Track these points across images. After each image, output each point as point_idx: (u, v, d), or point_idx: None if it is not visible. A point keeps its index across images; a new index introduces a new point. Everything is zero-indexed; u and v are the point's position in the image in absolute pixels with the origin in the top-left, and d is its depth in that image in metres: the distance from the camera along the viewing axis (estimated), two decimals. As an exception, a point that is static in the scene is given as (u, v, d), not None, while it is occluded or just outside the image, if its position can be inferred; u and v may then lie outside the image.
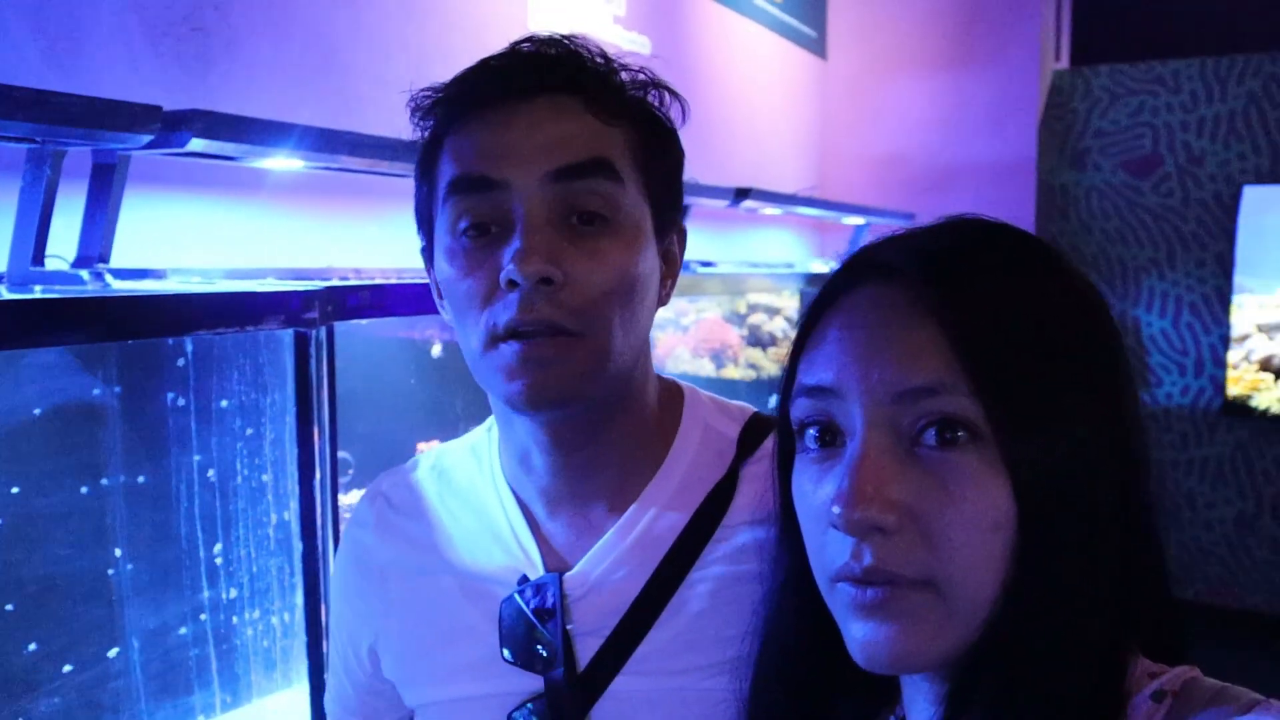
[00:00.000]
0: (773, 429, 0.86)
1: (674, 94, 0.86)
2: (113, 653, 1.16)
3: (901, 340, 0.58)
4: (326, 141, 1.41)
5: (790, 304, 3.69)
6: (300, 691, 1.27)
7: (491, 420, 0.94)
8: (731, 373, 3.49)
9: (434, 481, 0.94)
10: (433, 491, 0.93)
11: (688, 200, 2.78)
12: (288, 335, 1.17)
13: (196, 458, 1.24)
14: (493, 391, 0.81)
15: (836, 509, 0.56)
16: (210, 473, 1.22)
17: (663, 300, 0.87)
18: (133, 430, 1.19)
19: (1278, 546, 4.44)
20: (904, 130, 4.63)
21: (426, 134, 0.84)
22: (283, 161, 1.49)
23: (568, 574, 0.83)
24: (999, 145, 4.44)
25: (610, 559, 0.83)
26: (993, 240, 0.62)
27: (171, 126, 1.24)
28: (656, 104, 0.85)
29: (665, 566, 0.83)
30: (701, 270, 2.72)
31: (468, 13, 2.41)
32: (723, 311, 3.58)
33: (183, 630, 1.27)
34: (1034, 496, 0.56)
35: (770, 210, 3.36)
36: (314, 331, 1.15)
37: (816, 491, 0.60)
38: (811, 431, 0.62)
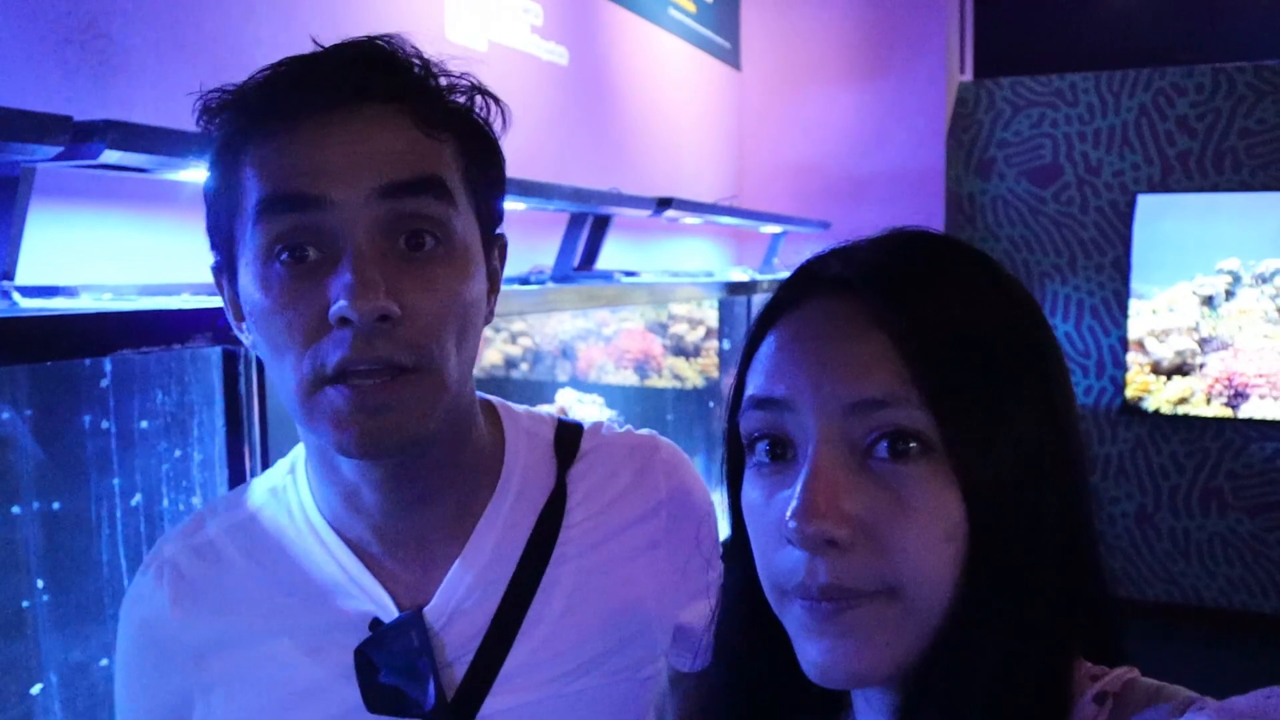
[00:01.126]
0: (578, 434, 0.91)
1: (495, 100, 0.81)
2: (35, 689, 1.10)
3: (852, 352, 0.58)
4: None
5: (711, 314, 3.72)
6: None
7: (292, 460, 0.88)
8: (657, 383, 3.49)
9: (231, 540, 0.85)
10: (233, 551, 0.84)
11: (611, 210, 2.79)
12: (215, 353, 1.13)
13: (117, 481, 1.19)
14: (320, 437, 0.74)
15: (792, 524, 0.56)
16: (136, 497, 1.17)
17: (487, 319, 0.81)
18: (49, 455, 1.14)
19: (1175, 538, 4.63)
20: (817, 140, 4.71)
21: (218, 137, 0.75)
22: (198, 173, 1.44)
23: (426, 608, 0.80)
24: (908, 155, 4.55)
25: (464, 585, 0.81)
26: (937, 252, 0.63)
27: (83, 137, 1.18)
28: (481, 110, 0.80)
29: (516, 582, 0.82)
30: (626, 280, 2.72)
31: (383, 24, 2.37)
32: (645, 322, 3.57)
33: (104, 662, 1.21)
34: (984, 506, 0.56)
35: (691, 220, 3.38)
36: (243, 348, 1.12)
37: (769, 505, 0.60)
38: (762, 444, 0.61)
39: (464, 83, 0.80)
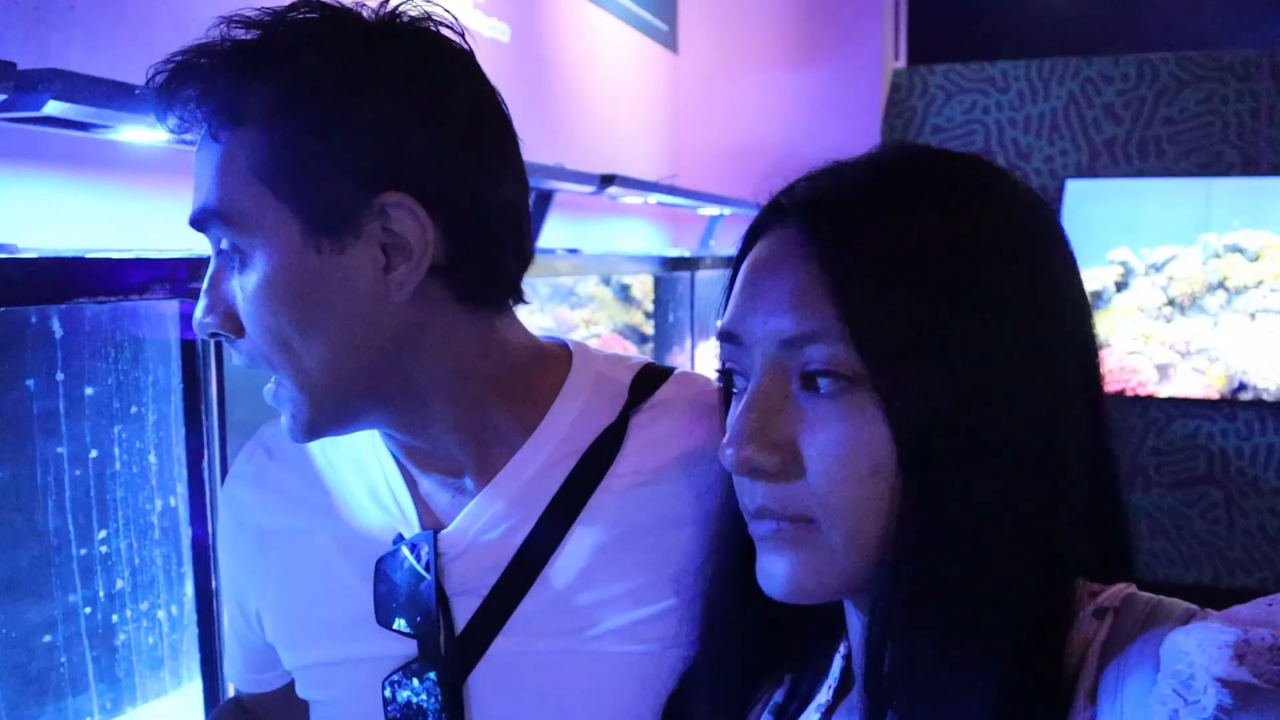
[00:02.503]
0: (666, 378, 0.86)
1: (339, 42, 0.73)
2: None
3: (789, 286, 0.59)
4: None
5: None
6: (192, 692, 1.19)
7: None
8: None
9: None
10: (316, 443, 0.86)
11: (552, 185, 2.77)
12: (171, 307, 1.09)
13: (60, 449, 1.14)
14: None
15: (727, 451, 0.60)
16: (93, 453, 1.12)
17: (400, 292, 0.73)
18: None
19: (1102, 515, 4.77)
20: (755, 124, 4.73)
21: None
22: (148, 132, 1.39)
23: (443, 532, 0.79)
24: (845, 139, 4.58)
25: (488, 515, 0.79)
26: (903, 176, 0.61)
27: (25, 87, 1.13)
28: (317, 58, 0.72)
29: (546, 521, 0.79)
30: (569, 255, 2.71)
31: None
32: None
33: (46, 639, 1.16)
34: (912, 442, 0.56)
35: (631, 199, 3.37)
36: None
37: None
38: (729, 375, 0.64)
39: (278, 45, 0.72)
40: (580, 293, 3.73)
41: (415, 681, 0.78)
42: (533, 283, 3.35)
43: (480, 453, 0.81)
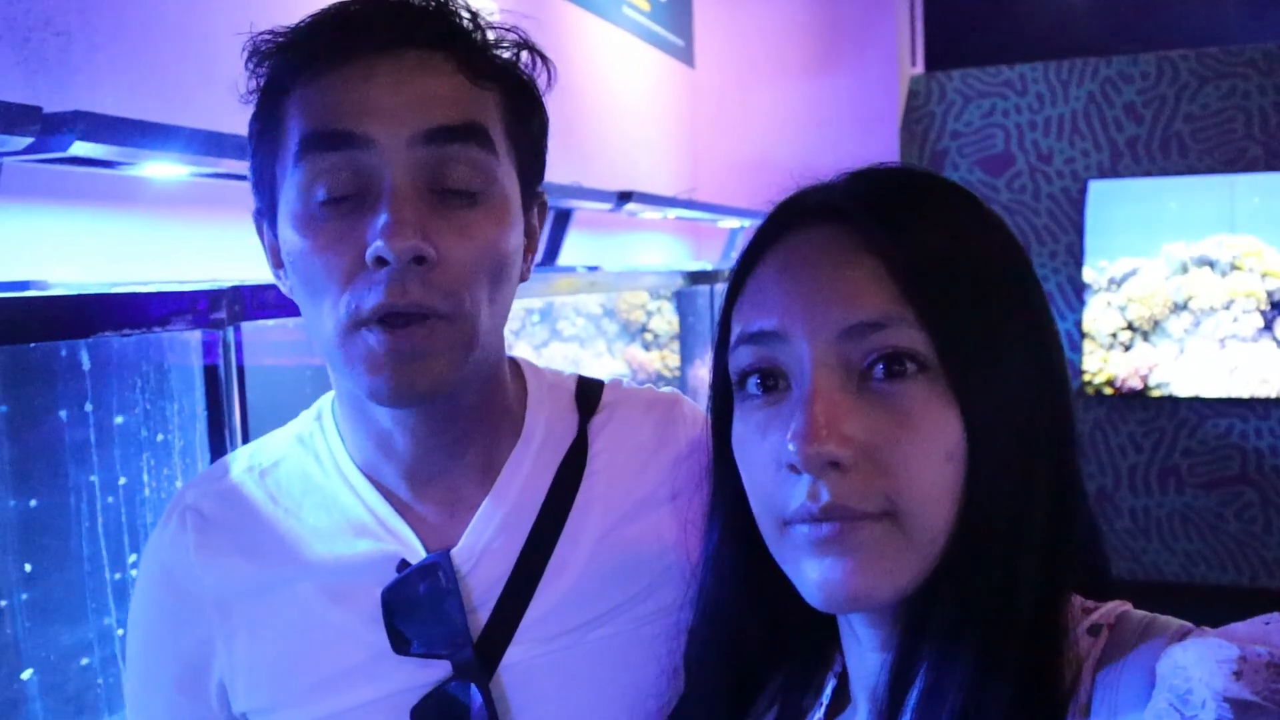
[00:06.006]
0: (600, 388, 0.91)
1: (542, 57, 0.81)
2: (27, 675, 1.09)
3: (845, 277, 0.59)
4: (216, 145, 1.37)
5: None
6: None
7: (318, 409, 0.88)
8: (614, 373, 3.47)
9: (256, 484, 0.84)
10: (258, 495, 0.83)
11: (571, 204, 2.79)
12: (194, 337, 1.12)
13: (92, 478, 1.18)
14: (351, 383, 0.74)
15: (792, 446, 0.56)
16: (123, 480, 1.16)
17: (523, 276, 0.81)
18: (26, 444, 1.12)
19: (1136, 516, 4.72)
20: (772, 136, 4.75)
21: (263, 80, 0.75)
22: (169, 168, 1.43)
23: (454, 550, 0.79)
24: (864, 148, 4.60)
25: (491, 528, 0.81)
26: (921, 183, 0.64)
27: (52, 129, 1.18)
28: (527, 67, 0.80)
29: (538, 530, 0.81)
30: (589, 273, 2.73)
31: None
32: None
33: (85, 661, 1.20)
34: (983, 425, 0.57)
35: (650, 214, 3.39)
36: (222, 332, 1.11)
37: (765, 439, 0.60)
38: (754, 379, 0.61)
39: (511, 37, 0.79)
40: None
41: (441, 705, 0.77)
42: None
43: (485, 454, 0.83)
